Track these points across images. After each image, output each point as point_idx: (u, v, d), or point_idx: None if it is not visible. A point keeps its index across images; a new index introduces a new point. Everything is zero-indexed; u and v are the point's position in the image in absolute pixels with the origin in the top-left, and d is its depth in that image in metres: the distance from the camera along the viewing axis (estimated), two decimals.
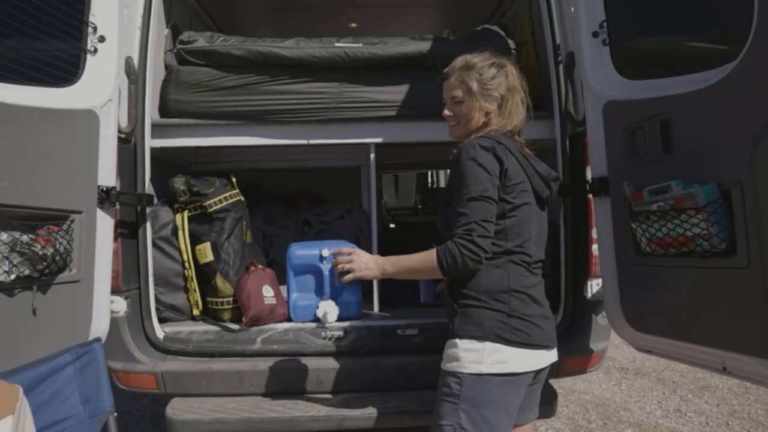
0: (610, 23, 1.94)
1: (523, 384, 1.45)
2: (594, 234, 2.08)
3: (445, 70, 1.63)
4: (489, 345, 1.39)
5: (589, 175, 2.02)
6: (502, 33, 2.45)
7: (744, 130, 1.37)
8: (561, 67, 2.21)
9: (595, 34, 1.97)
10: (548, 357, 1.51)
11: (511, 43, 2.42)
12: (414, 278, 1.57)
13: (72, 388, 1.25)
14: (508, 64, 1.60)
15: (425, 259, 1.43)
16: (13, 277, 1.47)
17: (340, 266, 1.49)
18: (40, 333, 1.59)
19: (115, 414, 1.31)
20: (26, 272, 1.51)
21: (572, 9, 2.14)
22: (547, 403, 1.95)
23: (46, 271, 1.58)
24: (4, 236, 1.47)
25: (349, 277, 1.48)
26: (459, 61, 1.60)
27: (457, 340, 1.43)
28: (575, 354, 2.09)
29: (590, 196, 2.03)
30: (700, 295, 1.55)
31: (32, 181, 1.60)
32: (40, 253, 1.54)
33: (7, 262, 1.45)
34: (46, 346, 1.58)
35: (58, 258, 1.62)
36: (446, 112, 1.62)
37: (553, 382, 2.28)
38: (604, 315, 2.07)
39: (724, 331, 1.48)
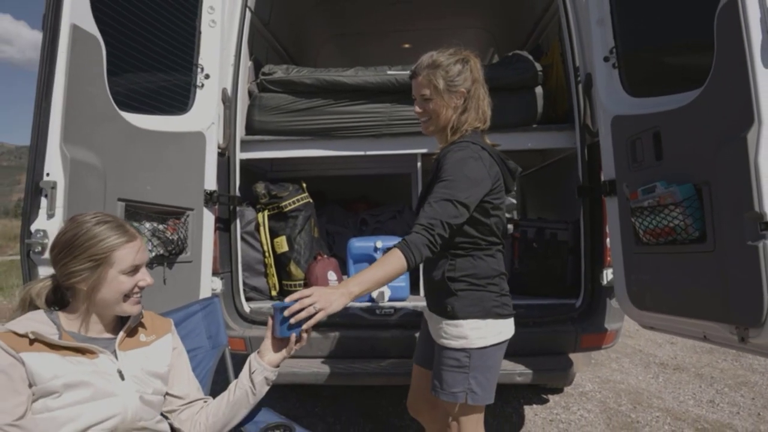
0: (618, 49, 2.29)
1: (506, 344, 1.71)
2: (607, 229, 2.41)
3: (413, 69, 1.69)
4: (490, 321, 1.62)
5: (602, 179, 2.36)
6: (530, 57, 2.83)
7: (709, 141, 1.70)
8: (580, 86, 2.55)
9: (606, 59, 2.32)
10: None
11: (538, 66, 2.80)
12: (381, 286, 1.51)
13: (201, 328, 1.77)
14: (471, 57, 1.67)
15: (392, 264, 1.43)
16: (153, 254, 2.03)
17: (311, 309, 1.32)
18: (167, 297, 2.15)
19: (229, 347, 1.82)
20: (161, 251, 2.07)
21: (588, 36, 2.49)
22: (564, 369, 2.30)
23: (173, 252, 2.14)
24: (148, 225, 2.04)
25: (321, 315, 1.33)
26: (426, 60, 1.66)
27: (461, 321, 1.61)
28: (591, 332, 2.41)
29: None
30: (683, 275, 1.87)
31: (163, 185, 2.16)
32: (170, 238, 2.11)
33: (150, 244, 2.01)
34: (171, 308, 2.14)
35: (180, 243, 2.18)
36: (417, 109, 1.70)
37: (582, 371, 2.62)
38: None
39: (701, 304, 1.80)
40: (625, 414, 3.23)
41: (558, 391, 3.58)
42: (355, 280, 1.43)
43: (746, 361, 4.27)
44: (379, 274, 1.44)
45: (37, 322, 1.24)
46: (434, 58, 1.65)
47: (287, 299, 1.36)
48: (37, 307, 1.29)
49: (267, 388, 1.48)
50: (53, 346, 1.22)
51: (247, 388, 1.45)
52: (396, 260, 1.44)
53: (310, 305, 1.33)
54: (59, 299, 1.32)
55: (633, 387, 3.73)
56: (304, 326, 1.35)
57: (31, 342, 1.18)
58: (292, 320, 1.34)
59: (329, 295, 1.36)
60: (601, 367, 4.18)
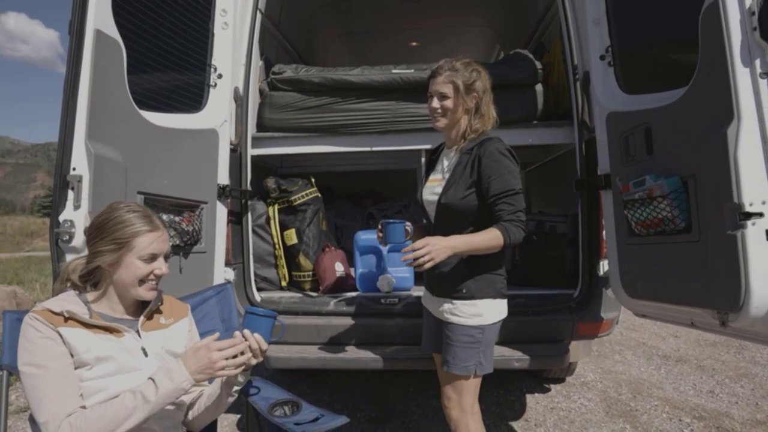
0: (614, 48, 2.37)
1: None
2: (603, 221, 2.49)
3: (434, 69, 1.93)
4: (499, 301, 1.88)
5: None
6: (531, 56, 2.92)
7: (695, 136, 1.79)
8: (578, 83, 2.64)
9: (602, 57, 2.41)
10: None
11: (538, 65, 2.89)
12: (474, 253, 1.78)
13: (215, 312, 1.89)
14: (482, 70, 1.92)
15: (491, 238, 1.72)
16: (170, 244, 2.15)
17: (421, 259, 1.63)
18: (183, 285, 2.27)
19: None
20: (177, 242, 2.20)
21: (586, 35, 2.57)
22: (559, 355, 2.41)
23: (188, 242, 2.27)
24: (165, 217, 2.17)
25: (429, 264, 1.65)
26: (446, 64, 1.90)
27: (477, 301, 1.83)
28: (587, 320, 2.51)
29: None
30: (671, 264, 1.96)
31: (179, 179, 2.29)
32: (186, 229, 2.24)
33: (167, 234, 2.14)
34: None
35: (194, 234, 2.31)
36: (434, 104, 1.89)
37: (585, 362, 2.73)
38: None
39: (687, 291, 1.89)
40: (625, 403, 3.32)
41: (560, 380, 3.67)
42: (460, 240, 1.74)
43: (749, 353, 4.32)
44: (480, 242, 1.74)
45: (70, 302, 1.37)
46: (453, 64, 1.89)
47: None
48: (72, 282, 1.43)
49: (234, 387, 1.51)
50: (85, 324, 1.34)
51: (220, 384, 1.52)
52: (495, 237, 1.73)
53: (422, 256, 1.64)
54: (91, 277, 1.45)
55: (634, 378, 3.81)
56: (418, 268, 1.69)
57: (66, 319, 1.31)
58: (406, 265, 1.69)
59: (438, 248, 1.67)
60: (604, 358, 4.26)
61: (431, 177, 2.06)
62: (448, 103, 1.88)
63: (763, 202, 1.57)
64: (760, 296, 1.57)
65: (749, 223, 1.57)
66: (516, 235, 1.75)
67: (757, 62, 1.57)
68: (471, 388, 1.86)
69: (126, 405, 1.24)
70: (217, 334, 1.42)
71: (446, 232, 1.80)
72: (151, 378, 1.30)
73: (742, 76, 1.58)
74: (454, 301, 1.86)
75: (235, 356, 1.34)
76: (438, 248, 1.67)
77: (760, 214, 1.57)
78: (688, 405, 3.27)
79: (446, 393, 1.89)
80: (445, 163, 2.00)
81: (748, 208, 1.57)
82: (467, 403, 1.85)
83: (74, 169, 1.77)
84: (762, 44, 1.56)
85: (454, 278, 1.87)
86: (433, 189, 1.98)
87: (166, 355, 1.49)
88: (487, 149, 1.83)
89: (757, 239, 1.57)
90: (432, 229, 2.00)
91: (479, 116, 1.90)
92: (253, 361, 1.40)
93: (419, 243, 1.67)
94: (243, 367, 1.37)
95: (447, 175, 1.93)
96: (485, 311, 1.84)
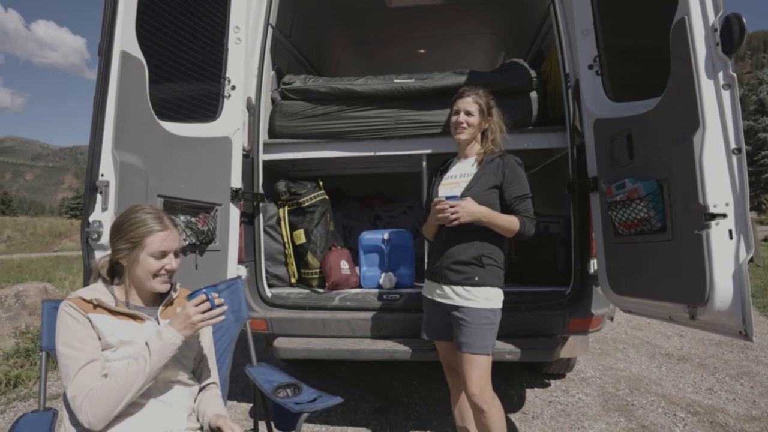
0: (601, 58, 2.51)
1: None
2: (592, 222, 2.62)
3: (461, 91, 2.28)
4: (501, 290, 2.15)
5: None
6: (525, 65, 3.06)
7: (668, 142, 1.92)
8: (570, 90, 2.76)
9: (590, 67, 2.54)
10: None
11: (533, 73, 3.02)
12: (492, 228, 2.08)
13: (226, 303, 2.07)
14: (495, 106, 2.29)
15: (511, 221, 2.06)
16: (186, 243, 2.36)
17: (451, 216, 1.98)
18: (199, 280, 2.47)
19: (249, 320, 2.14)
20: (193, 240, 2.40)
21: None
22: (549, 348, 2.54)
23: (204, 241, 2.47)
24: (182, 218, 2.37)
25: (454, 223, 2.00)
26: (470, 89, 2.26)
27: (488, 288, 2.09)
28: (578, 316, 2.63)
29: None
30: (650, 262, 2.09)
31: (195, 183, 2.49)
32: (201, 229, 2.43)
33: (184, 234, 2.34)
34: None
35: (209, 234, 2.51)
36: (461, 119, 2.22)
37: (586, 359, 2.89)
38: None
39: (663, 287, 2.02)
40: (622, 398, 3.42)
41: (560, 376, 3.79)
42: (486, 211, 2.04)
43: (752, 353, 4.38)
44: (500, 220, 2.06)
45: (98, 292, 1.57)
46: (476, 90, 2.25)
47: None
48: (101, 277, 1.62)
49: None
50: (111, 311, 1.54)
51: None
52: (513, 222, 2.07)
53: (450, 213, 1.99)
54: (115, 273, 1.64)
55: (634, 374, 3.90)
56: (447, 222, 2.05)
57: (95, 306, 1.51)
58: (440, 215, 2.01)
59: (466, 212, 2.00)
60: (605, 356, 4.36)
61: (445, 182, 2.29)
62: (473, 119, 2.21)
63: (726, 204, 1.70)
64: (723, 291, 1.70)
65: (713, 223, 1.70)
66: (530, 229, 2.09)
67: (720, 75, 1.70)
68: (490, 367, 2.07)
69: (131, 370, 1.44)
70: None
71: (464, 225, 2.06)
72: (146, 342, 1.49)
73: (706, 87, 1.72)
74: (467, 288, 2.09)
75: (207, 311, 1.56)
76: (466, 211, 2.00)
77: (724, 215, 1.70)
78: (685, 401, 3.36)
79: (472, 377, 2.03)
80: (462, 170, 2.26)
81: (712, 210, 1.70)
82: (490, 382, 2.06)
83: (102, 175, 1.97)
84: (724, 58, 1.69)
85: (468, 268, 2.11)
86: (451, 189, 2.21)
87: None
88: (509, 161, 2.18)
89: (721, 238, 1.70)
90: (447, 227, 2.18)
91: (494, 135, 2.24)
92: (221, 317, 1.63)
93: (455, 202, 2.01)
94: (215, 319, 1.59)
95: (468, 178, 2.19)
96: (494, 297, 2.11)
